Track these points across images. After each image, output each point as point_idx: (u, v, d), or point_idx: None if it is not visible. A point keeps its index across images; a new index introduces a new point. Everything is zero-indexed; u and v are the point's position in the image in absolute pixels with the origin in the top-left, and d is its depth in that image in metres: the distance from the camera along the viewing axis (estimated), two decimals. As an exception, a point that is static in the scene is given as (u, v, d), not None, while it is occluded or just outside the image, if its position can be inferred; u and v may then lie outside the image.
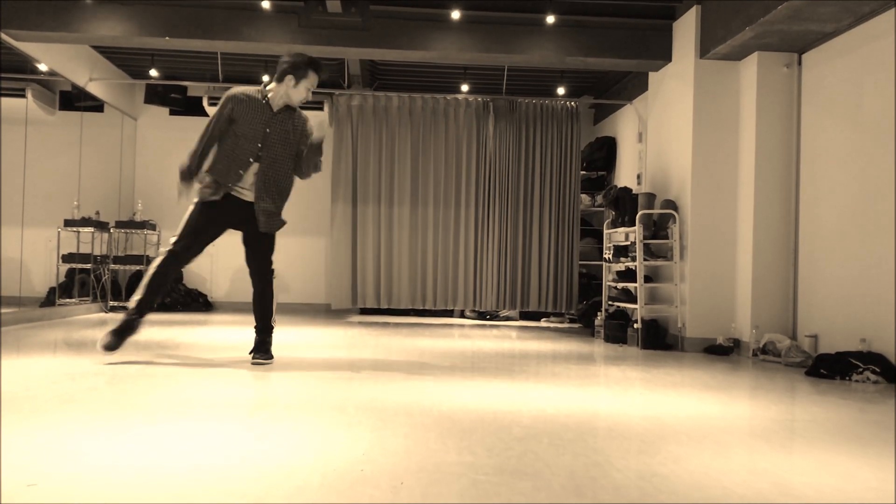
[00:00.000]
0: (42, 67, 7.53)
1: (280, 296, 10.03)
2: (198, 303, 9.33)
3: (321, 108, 9.27)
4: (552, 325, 8.81)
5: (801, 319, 5.89)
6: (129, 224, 8.78)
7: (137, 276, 8.93)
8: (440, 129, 8.81)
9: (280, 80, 4.51)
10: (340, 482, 2.15)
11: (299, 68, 4.50)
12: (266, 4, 6.68)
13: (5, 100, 7.27)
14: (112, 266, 8.68)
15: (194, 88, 9.38)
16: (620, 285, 7.06)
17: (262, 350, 4.61)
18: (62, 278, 8.27)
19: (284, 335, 6.55)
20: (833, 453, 2.76)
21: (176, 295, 9.29)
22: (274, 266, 4.74)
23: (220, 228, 4.62)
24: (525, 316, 9.21)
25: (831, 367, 4.89)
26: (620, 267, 7.07)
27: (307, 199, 9.59)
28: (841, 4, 5.03)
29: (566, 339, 7.14)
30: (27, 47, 7.08)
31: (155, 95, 9.24)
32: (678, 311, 6.46)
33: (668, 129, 6.93)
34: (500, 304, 8.79)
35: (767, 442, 2.96)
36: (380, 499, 2.01)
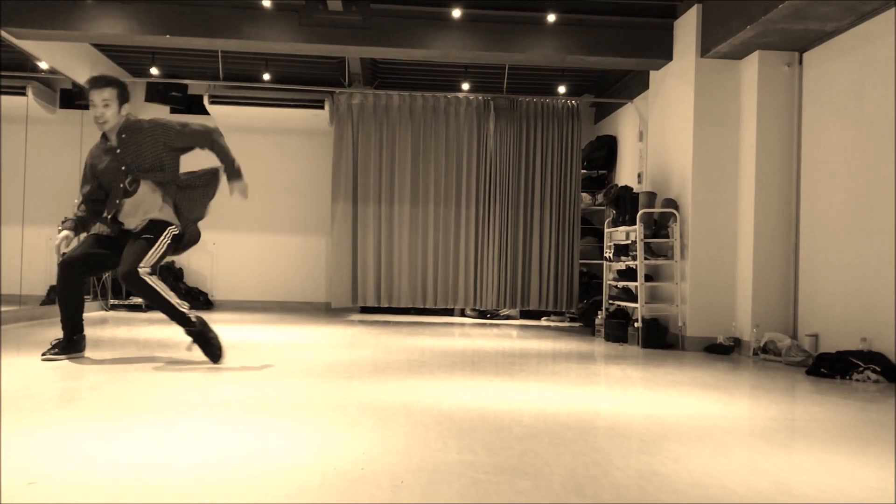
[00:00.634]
0: (43, 65, 7.53)
1: (277, 295, 10.02)
2: (198, 301, 9.32)
3: (321, 107, 9.28)
4: (552, 323, 8.81)
5: (802, 318, 5.89)
6: (130, 222, 8.77)
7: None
8: (441, 127, 8.81)
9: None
10: (341, 481, 2.15)
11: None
12: (267, 3, 6.68)
13: (6, 98, 7.26)
14: (112, 264, 8.67)
15: (195, 87, 9.38)
16: (621, 284, 7.06)
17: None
18: (63, 277, 8.26)
19: (285, 334, 6.56)
20: (833, 453, 2.76)
21: (176, 293, 9.29)
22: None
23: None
24: (525, 315, 9.21)
25: (832, 367, 4.89)
26: (621, 266, 7.06)
27: (307, 198, 9.61)
28: (841, 3, 5.02)
29: (566, 338, 7.14)
30: (28, 45, 7.08)
31: (156, 94, 9.24)
32: (679, 310, 6.46)
33: (669, 128, 6.92)
34: (501, 302, 8.79)
35: (768, 441, 2.96)
36: (380, 498, 2.01)
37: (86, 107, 8.45)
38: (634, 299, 6.75)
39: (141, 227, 4.43)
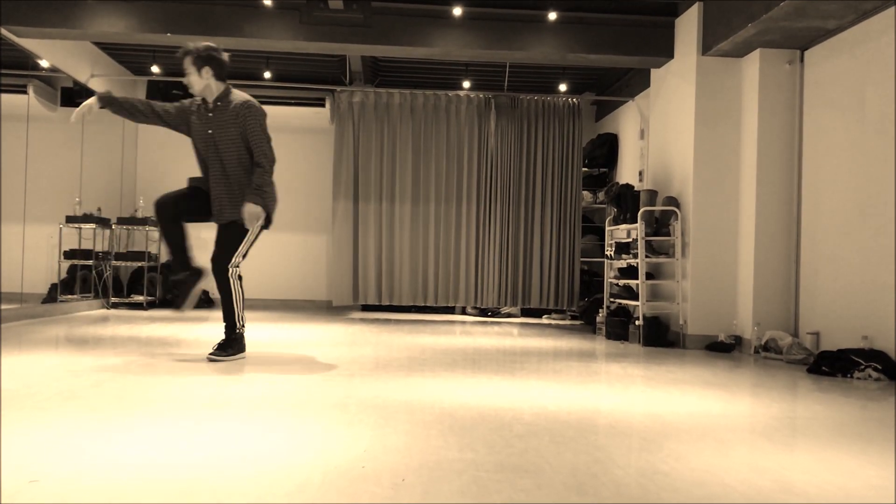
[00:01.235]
0: (43, 64, 7.52)
1: (278, 293, 10.03)
2: (199, 300, 9.32)
3: (322, 105, 9.28)
4: (553, 321, 8.81)
5: (803, 316, 5.89)
6: (131, 220, 8.78)
7: (139, 272, 8.95)
8: (442, 125, 8.81)
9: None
10: (342, 480, 2.15)
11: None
12: (268, 1, 6.68)
13: (7, 96, 7.26)
14: (114, 262, 8.68)
15: (196, 85, 9.37)
16: (622, 282, 7.05)
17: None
18: (64, 275, 8.27)
19: (286, 332, 6.56)
20: (835, 451, 2.76)
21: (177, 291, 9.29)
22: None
23: None
24: (526, 313, 9.21)
25: (833, 365, 4.89)
26: (622, 264, 7.06)
27: (308, 197, 9.60)
28: (843, 1, 5.02)
29: (567, 336, 7.13)
30: (28, 43, 7.08)
31: (157, 92, 9.24)
32: (680, 308, 6.45)
33: (670, 126, 6.92)
34: (502, 300, 8.79)
35: (769, 439, 2.96)
36: (381, 496, 2.01)
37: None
38: (635, 297, 6.75)
39: (232, 209, 4.59)
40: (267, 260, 9.69)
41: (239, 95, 4.58)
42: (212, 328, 6.76)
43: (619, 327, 6.82)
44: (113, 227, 8.66)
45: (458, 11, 6.79)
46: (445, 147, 8.80)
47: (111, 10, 6.71)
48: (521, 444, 2.65)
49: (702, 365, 5.22)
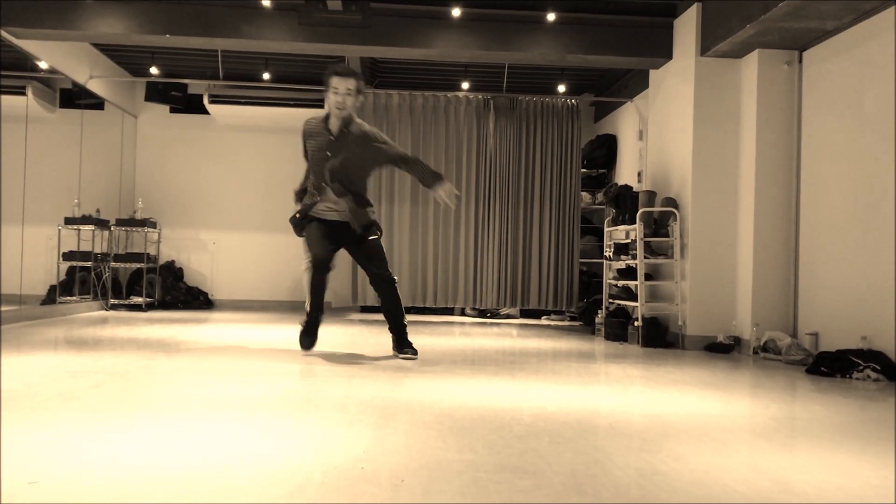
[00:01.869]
0: (42, 65, 7.53)
1: (278, 294, 10.05)
2: (198, 301, 9.33)
3: (322, 106, 9.26)
4: (553, 322, 8.81)
5: (802, 317, 5.89)
6: (130, 222, 8.78)
7: (138, 273, 8.95)
8: (441, 126, 8.81)
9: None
10: (341, 480, 2.15)
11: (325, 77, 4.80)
12: (266, 2, 6.68)
13: (6, 97, 7.26)
14: (113, 264, 8.68)
15: (195, 86, 9.38)
16: (621, 283, 7.06)
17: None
18: (63, 276, 8.28)
19: (285, 333, 6.56)
20: (834, 451, 2.76)
21: (176, 293, 9.30)
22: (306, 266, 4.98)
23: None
24: (525, 314, 9.21)
25: (832, 365, 4.89)
26: (621, 265, 7.07)
27: (308, 197, 9.59)
28: (841, 2, 5.02)
29: (567, 336, 7.14)
30: (27, 45, 7.08)
31: (155, 93, 9.24)
32: (679, 309, 6.46)
33: (669, 127, 6.92)
34: (501, 301, 8.79)
35: (768, 440, 2.96)
36: (380, 497, 2.01)
37: (86, 107, 8.48)
38: (634, 298, 6.75)
39: (364, 224, 4.87)
40: (266, 261, 9.70)
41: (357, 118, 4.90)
42: (211, 329, 6.76)
43: (618, 328, 6.82)
44: (112, 228, 8.66)
45: (456, 12, 6.80)
46: (444, 148, 8.80)
47: (110, 11, 6.71)
48: (521, 444, 2.65)
49: (701, 365, 5.22)
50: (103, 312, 8.34)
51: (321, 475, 2.19)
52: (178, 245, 9.63)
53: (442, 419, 3.03)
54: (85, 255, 8.33)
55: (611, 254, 7.22)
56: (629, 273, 6.91)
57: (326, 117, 4.82)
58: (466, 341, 6.47)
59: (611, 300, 7.21)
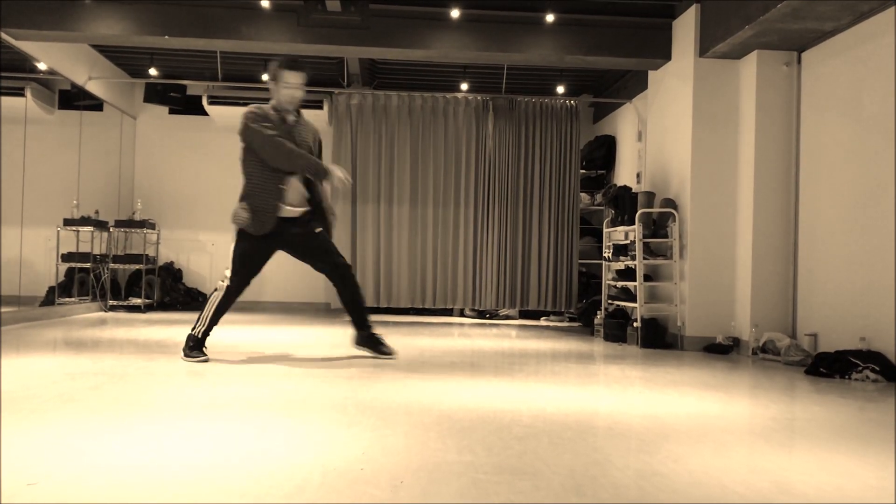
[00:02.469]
0: (41, 66, 7.52)
1: (277, 295, 10.01)
2: (197, 302, 9.32)
3: (320, 107, 9.27)
4: (552, 323, 8.81)
5: (801, 318, 5.89)
6: (129, 223, 8.78)
7: (137, 275, 8.94)
8: (440, 127, 8.81)
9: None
10: (340, 481, 2.15)
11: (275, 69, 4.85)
12: (265, 3, 6.68)
13: (4, 99, 7.26)
14: (111, 265, 8.67)
15: (194, 87, 9.38)
16: (620, 284, 7.06)
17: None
18: (61, 277, 8.27)
19: (285, 334, 6.56)
20: (833, 452, 2.76)
21: (175, 294, 9.30)
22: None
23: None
24: (524, 315, 9.21)
25: (831, 366, 4.89)
26: (620, 266, 7.07)
27: (307, 198, 9.59)
28: (840, 3, 5.03)
29: (566, 337, 7.14)
30: (26, 46, 7.08)
31: (154, 94, 9.24)
32: (678, 310, 6.46)
33: (668, 128, 6.93)
34: (500, 302, 8.79)
35: (767, 441, 2.96)
36: (380, 498, 2.01)
37: (85, 108, 8.48)
38: (633, 299, 6.76)
39: (307, 213, 4.98)
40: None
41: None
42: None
43: (617, 329, 6.82)
44: (111, 229, 8.66)
45: (455, 13, 6.80)
46: (443, 149, 8.80)
47: (109, 12, 6.70)
48: (520, 445, 2.65)
49: (700, 366, 5.23)
50: (102, 314, 8.34)
51: (320, 476, 2.19)
52: (177, 246, 9.63)
53: (441, 420, 3.04)
54: (84, 257, 8.33)
55: (610, 255, 7.22)
56: (628, 274, 6.91)
57: (276, 109, 4.84)
58: (465, 342, 6.47)
59: (610, 301, 7.21)
